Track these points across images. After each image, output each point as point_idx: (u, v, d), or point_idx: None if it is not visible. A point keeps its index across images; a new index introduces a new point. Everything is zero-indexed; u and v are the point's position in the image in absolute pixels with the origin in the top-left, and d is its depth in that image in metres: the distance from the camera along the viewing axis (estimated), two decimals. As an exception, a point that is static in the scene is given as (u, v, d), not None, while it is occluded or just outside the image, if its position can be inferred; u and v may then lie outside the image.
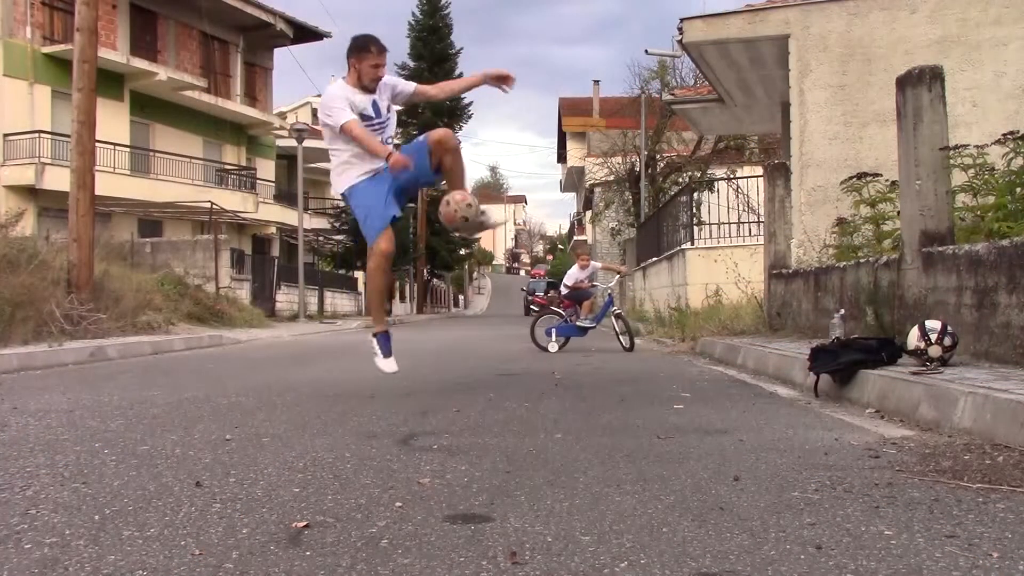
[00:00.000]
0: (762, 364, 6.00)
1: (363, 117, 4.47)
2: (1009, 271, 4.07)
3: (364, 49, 4.45)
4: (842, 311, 5.42)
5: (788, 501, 2.16)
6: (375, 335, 4.70)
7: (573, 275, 10.78)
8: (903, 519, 1.96)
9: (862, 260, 6.21)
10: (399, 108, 4.83)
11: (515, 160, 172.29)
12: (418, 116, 41.80)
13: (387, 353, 4.62)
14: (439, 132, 4.61)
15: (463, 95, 45.02)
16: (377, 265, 4.57)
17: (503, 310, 53.67)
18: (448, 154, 4.52)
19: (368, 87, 4.49)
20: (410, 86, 4.81)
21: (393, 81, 4.70)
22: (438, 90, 5.12)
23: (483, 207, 4.61)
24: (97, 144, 10.88)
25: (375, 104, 4.52)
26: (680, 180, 25.41)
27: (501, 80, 4.73)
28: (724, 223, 14.51)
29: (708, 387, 5.18)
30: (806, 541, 1.80)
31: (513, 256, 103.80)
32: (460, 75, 44.58)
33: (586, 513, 2.06)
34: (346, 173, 4.56)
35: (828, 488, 2.29)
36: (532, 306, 41.80)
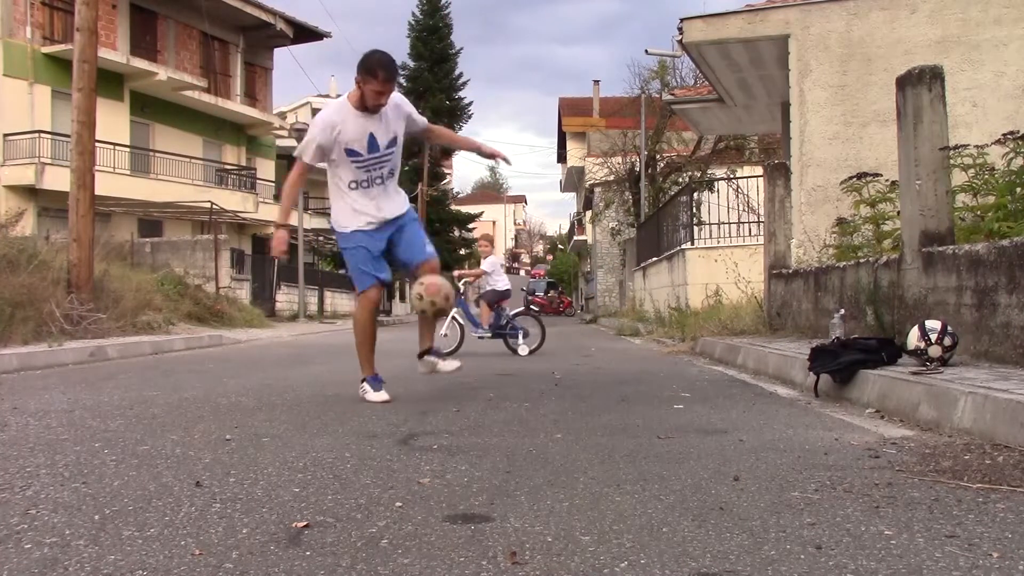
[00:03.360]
0: (762, 364, 6.00)
1: (350, 153, 4.20)
2: (1009, 271, 4.07)
3: (370, 73, 4.08)
4: (842, 311, 5.42)
5: (788, 501, 2.16)
6: (363, 380, 4.44)
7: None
8: (903, 519, 1.96)
9: (862, 260, 6.21)
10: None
11: (515, 160, 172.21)
12: (418, 116, 41.77)
13: (377, 389, 4.38)
14: (432, 278, 4.34)
15: (463, 96, 45.16)
16: (364, 309, 4.43)
17: (503, 310, 53.61)
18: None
19: (371, 110, 4.20)
20: (422, 123, 4.52)
21: (409, 108, 4.39)
22: (437, 136, 4.87)
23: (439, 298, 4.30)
24: (97, 144, 10.88)
25: (372, 138, 4.21)
26: (680, 180, 25.41)
27: (496, 157, 4.68)
28: (724, 223, 14.52)
29: (708, 387, 5.18)
30: (806, 541, 1.80)
31: (513, 256, 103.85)
32: (460, 75, 44.75)
33: (586, 513, 2.05)
34: (336, 205, 4.37)
35: (828, 488, 2.29)
36: (532, 306, 41.97)
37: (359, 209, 4.30)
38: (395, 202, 4.41)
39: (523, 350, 9.03)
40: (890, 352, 4.27)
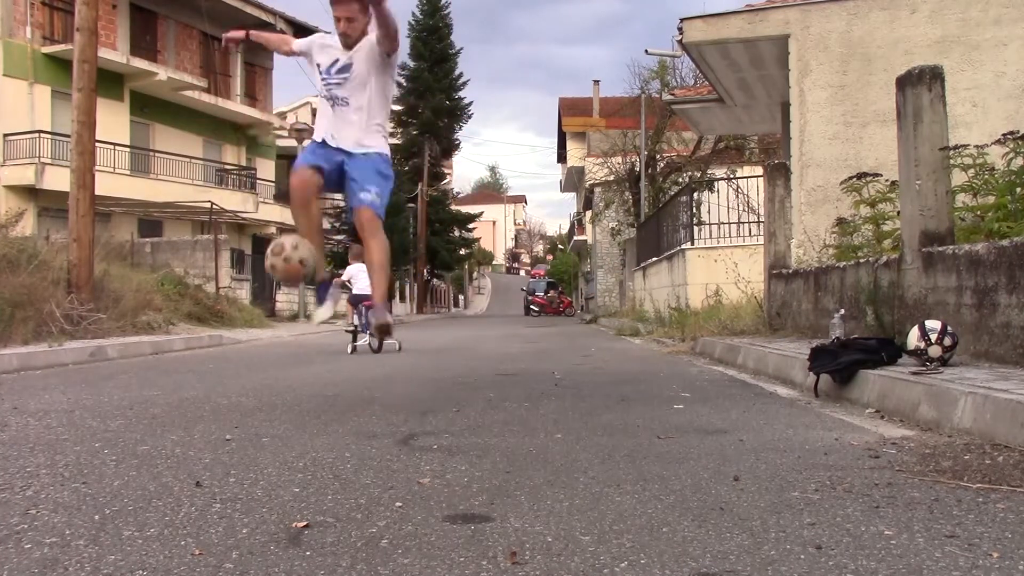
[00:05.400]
0: (762, 364, 6.00)
1: (318, 67, 4.31)
2: (1009, 271, 4.07)
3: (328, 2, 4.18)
4: (842, 311, 5.42)
5: (788, 501, 2.16)
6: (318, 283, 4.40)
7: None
8: (903, 519, 1.96)
9: (862, 260, 6.21)
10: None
11: (515, 160, 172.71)
12: (418, 116, 41.85)
13: (320, 302, 4.34)
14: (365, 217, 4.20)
15: (463, 96, 45.13)
16: (291, 193, 4.35)
17: (503, 310, 53.68)
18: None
19: (344, 43, 4.23)
20: (379, 33, 4.23)
21: (372, 38, 4.24)
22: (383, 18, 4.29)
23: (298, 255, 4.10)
24: (97, 144, 10.87)
25: (336, 60, 4.24)
26: (680, 180, 25.41)
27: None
28: (724, 223, 14.50)
29: (708, 387, 5.18)
30: (806, 541, 1.80)
31: (513, 256, 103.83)
32: (460, 75, 44.74)
33: (586, 513, 2.05)
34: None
35: (828, 488, 2.29)
36: (532, 306, 41.97)
37: (320, 115, 4.38)
38: (348, 134, 4.30)
39: (357, 343, 9.87)
40: (890, 352, 4.27)
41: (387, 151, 4.41)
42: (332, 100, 4.34)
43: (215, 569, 1.65)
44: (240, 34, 4.50)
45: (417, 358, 8.59)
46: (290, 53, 4.66)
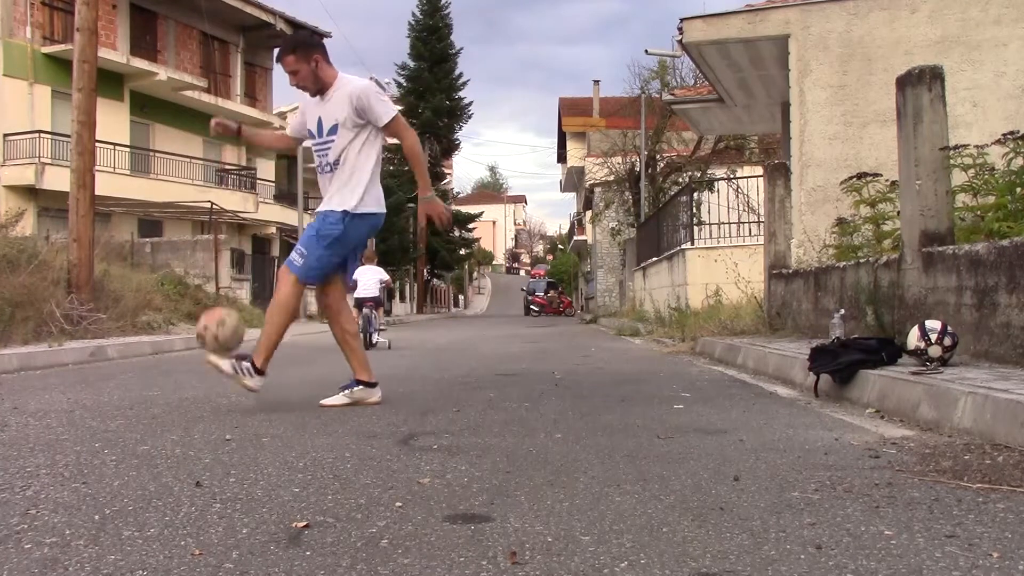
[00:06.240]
0: (762, 364, 6.00)
1: (310, 133, 4.24)
2: (1009, 271, 4.07)
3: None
4: (842, 311, 5.42)
5: (788, 501, 2.16)
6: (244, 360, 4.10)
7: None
8: (903, 519, 1.96)
9: (862, 260, 6.21)
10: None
11: (515, 160, 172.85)
12: (418, 116, 41.87)
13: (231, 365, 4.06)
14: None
15: (463, 96, 45.15)
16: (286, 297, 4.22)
17: (503, 310, 53.71)
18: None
19: (313, 94, 4.14)
20: (378, 118, 4.07)
21: (364, 100, 4.03)
22: (396, 135, 4.18)
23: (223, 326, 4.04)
24: (97, 144, 10.88)
25: (319, 122, 4.14)
26: (680, 180, 25.41)
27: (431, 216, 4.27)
28: (724, 223, 14.51)
29: (708, 387, 5.18)
30: (806, 541, 1.80)
31: (513, 256, 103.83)
32: (460, 75, 44.81)
33: (586, 513, 2.05)
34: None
35: (828, 488, 2.29)
36: (532, 306, 41.98)
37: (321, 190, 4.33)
38: (331, 199, 4.17)
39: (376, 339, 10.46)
40: (890, 352, 4.27)
41: (340, 208, 4.10)
42: (322, 168, 4.20)
43: (215, 569, 1.65)
44: (233, 126, 4.33)
45: (417, 358, 8.59)
46: (294, 140, 4.55)
